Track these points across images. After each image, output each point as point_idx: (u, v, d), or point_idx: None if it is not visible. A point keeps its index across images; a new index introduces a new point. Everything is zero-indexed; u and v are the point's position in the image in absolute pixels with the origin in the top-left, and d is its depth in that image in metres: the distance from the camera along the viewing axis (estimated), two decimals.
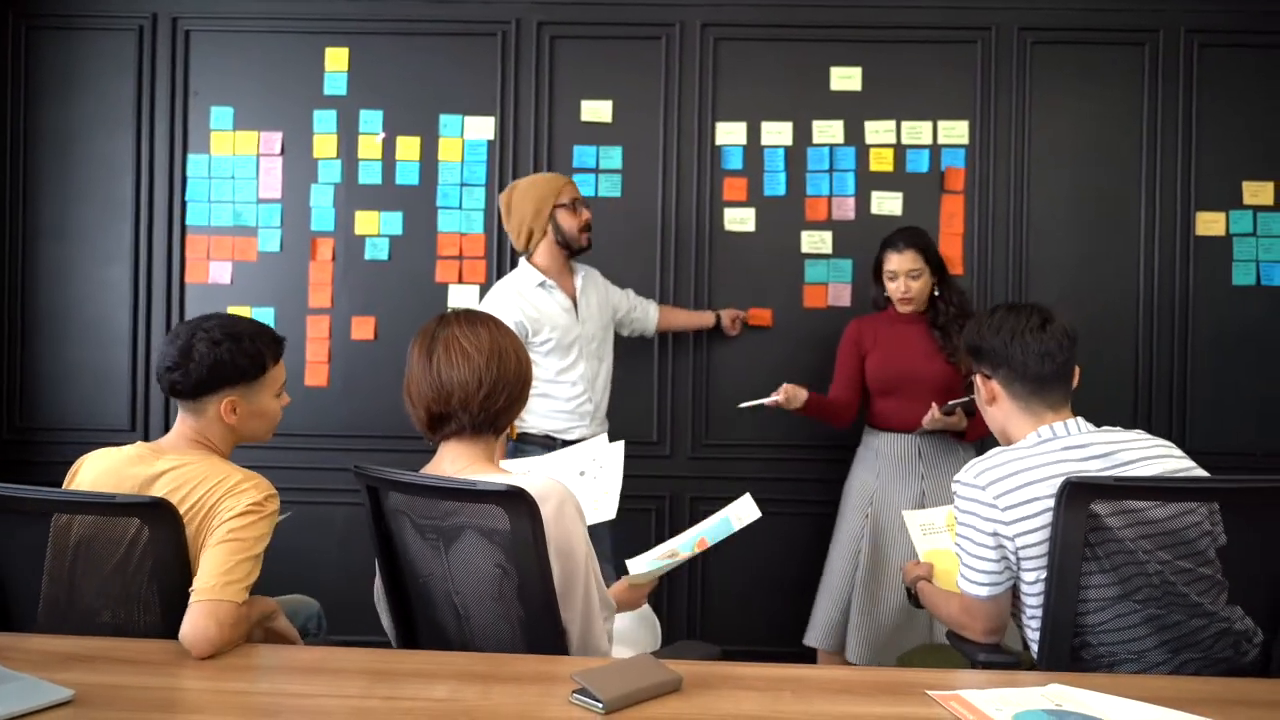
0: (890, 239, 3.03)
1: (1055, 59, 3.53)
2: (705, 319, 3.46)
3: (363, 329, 3.58)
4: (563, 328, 2.97)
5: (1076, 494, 1.66)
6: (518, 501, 1.56)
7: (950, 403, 2.84)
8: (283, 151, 3.60)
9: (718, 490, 3.45)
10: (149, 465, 1.82)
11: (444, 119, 3.58)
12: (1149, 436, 1.85)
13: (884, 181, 3.52)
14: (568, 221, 2.99)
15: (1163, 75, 3.51)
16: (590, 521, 2.10)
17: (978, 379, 1.97)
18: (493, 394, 1.71)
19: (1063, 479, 1.68)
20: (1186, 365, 3.50)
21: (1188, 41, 3.51)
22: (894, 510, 2.96)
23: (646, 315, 3.32)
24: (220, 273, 3.61)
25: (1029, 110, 3.53)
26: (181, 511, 1.73)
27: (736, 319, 3.48)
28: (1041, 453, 1.79)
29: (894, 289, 3.00)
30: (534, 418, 2.97)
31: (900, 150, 3.53)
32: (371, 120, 3.59)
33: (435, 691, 1.44)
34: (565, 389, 2.97)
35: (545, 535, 1.59)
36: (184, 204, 3.61)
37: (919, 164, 3.52)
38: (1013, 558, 1.77)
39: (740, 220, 3.54)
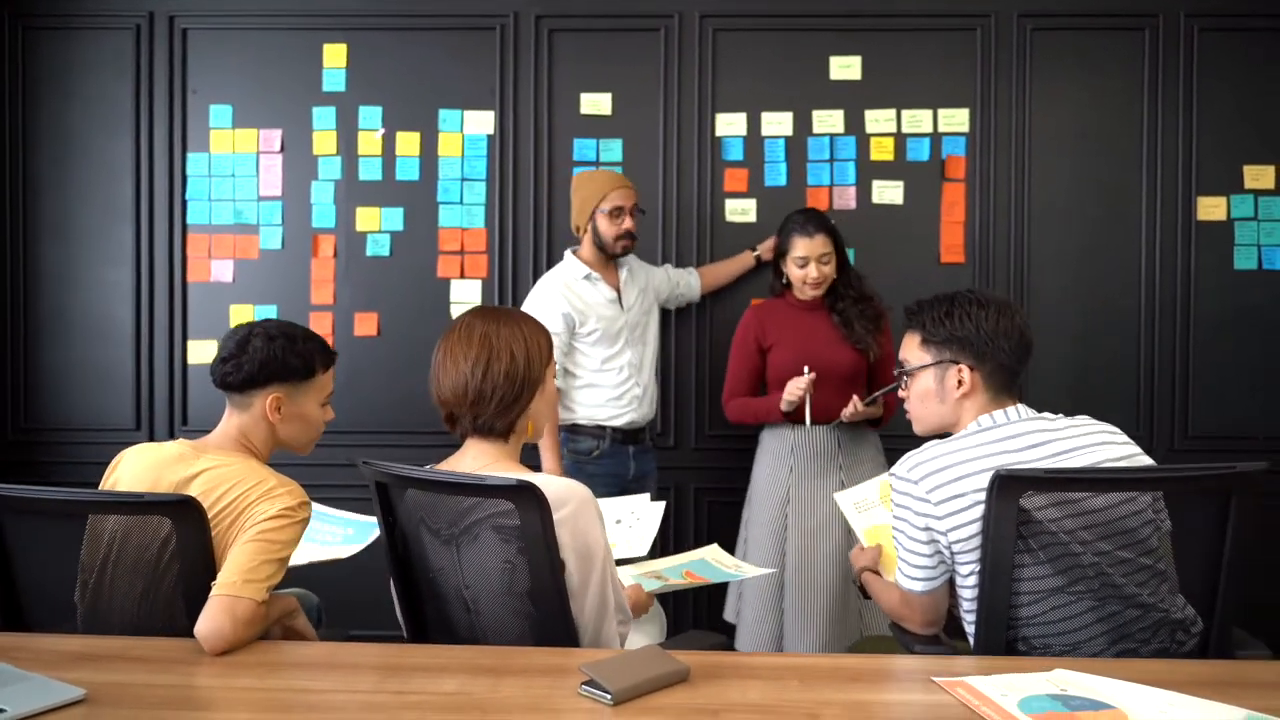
0: (798, 224, 2.95)
1: (1055, 45, 3.52)
2: (745, 261, 3.46)
3: (365, 325, 3.59)
4: (608, 319, 3.04)
5: (1007, 486, 1.64)
6: (527, 496, 1.56)
7: (875, 394, 2.81)
8: (282, 149, 3.60)
9: (722, 480, 3.46)
10: (188, 465, 1.84)
11: (443, 114, 3.57)
12: (1092, 422, 1.82)
13: (885, 170, 3.52)
14: (605, 228, 3.05)
15: (1163, 60, 3.50)
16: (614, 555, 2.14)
17: (935, 369, 1.86)
18: (480, 401, 1.71)
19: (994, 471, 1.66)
20: (1189, 350, 3.50)
21: (1187, 26, 3.50)
22: (818, 504, 2.92)
23: (691, 287, 3.38)
24: (222, 271, 3.61)
25: (1029, 97, 3.52)
26: (214, 512, 1.75)
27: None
28: (977, 444, 1.76)
29: (803, 275, 2.93)
30: (583, 409, 3.05)
31: (901, 139, 3.52)
32: (371, 116, 3.58)
33: (445, 685, 1.45)
34: (611, 376, 3.04)
35: (555, 530, 1.59)
36: (184, 203, 3.62)
37: (919, 152, 3.52)
38: (947, 552, 1.75)
39: (741, 211, 3.54)
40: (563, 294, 2.99)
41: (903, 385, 1.94)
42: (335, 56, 3.58)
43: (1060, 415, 1.83)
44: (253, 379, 1.89)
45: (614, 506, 2.45)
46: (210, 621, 1.60)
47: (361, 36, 3.59)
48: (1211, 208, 3.51)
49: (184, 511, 1.69)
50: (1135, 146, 3.52)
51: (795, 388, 2.83)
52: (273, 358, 1.89)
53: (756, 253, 3.44)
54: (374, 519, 2.10)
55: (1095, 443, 1.76)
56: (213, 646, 1.59)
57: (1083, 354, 3.52)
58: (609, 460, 3.05)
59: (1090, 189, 3.53)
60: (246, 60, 3.60)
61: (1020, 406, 1.83)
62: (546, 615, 1.64)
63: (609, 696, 1.35)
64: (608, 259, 3.11)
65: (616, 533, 2.33)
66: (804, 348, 2.94)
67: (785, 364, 2.96)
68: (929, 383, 1.88)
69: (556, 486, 1.65)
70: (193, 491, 1.78)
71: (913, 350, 1.91)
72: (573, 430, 3.05)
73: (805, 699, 1.39)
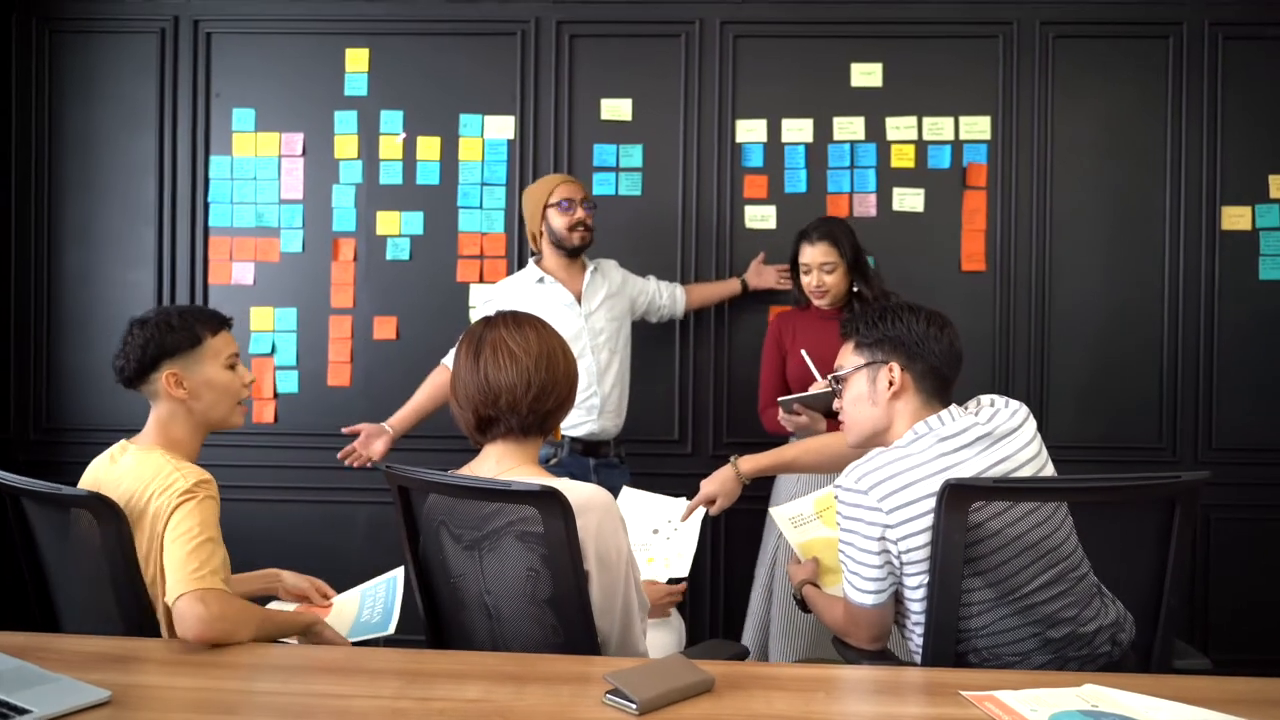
0: (805, 229, 2.96)
1: (1077, 53, 3.51)
2: (732, 287, 3.44)
3: (384, 329, 3.59)
4: (562, 322, 2.98)
5: (956, 495, 1.64)
6: (551, 502, 1.56)
7: (783, 398, 2.72)
8: (304, 152, 3.61)
9: None
10: (114, 463, 1.88)
11: (464, 119, 3.58)
12: (1014, 411, 1.82)
13: (905, 178, 3.51)
14: (556, 221, 3.02)
15: (1186, 68, 3.48)
16: (659, 577, 2.13)
17: (867, 371, 1.87)
18: (541, 396, 1.71)
19: (943, 479, 1.66)
20: (1213, 361, 3.47)
21: (1211, 34, 3.48)
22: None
23: (675, 301, 3.32)
24: (243, 274, 3.62)
25: (1051, 105, 3.50)
26: (126, 508, 1.76)
27: (775, 274, 3.40)
28: (921, 449, 1.75)
29: (807, 283, 2.93)
30: None
31: (922, 146, 3.51)
32: (392, 120, 3.59)
33: (468, 692, 1.44)
34: None
35: (579, 536, 1.59)
36: (206, 205, 3.64)
37: (940, 160, 3.51)
38: (896, 562, 1.73)
39: (761, 218, 3.53)
40: (510, 300, 2.94)
41: (838, 394, 1.96)
42: (357, 61, 3.60)
43: (981, 404, 1.85)
44: (142, 365, 1.90)
45: (648, 513, 2.41)
46: (181, 619, 1.62)
47: (383, 41, 3.60)
48: (1236, 217, 3.48)
49: (101, 508, 1.71)
50: (1159, 155, 3.49)
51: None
52: (150, 338, 1.90)
53: (744, 278, 3.43)
54: (386, 578, 2.11)
55: (1027, 432, 1.80)
56: (200, 634, 1.61)
57: (1105, 365, 3.49)
58: (568, 471, 2.95)
59: (1113, 197, 3.50)
60: (269, 64, 3.62)
61: (954, 408, 1.83)
62: (569, 623, 1.64)
63: (634, 706, 1.34)
64: (570, 260, 3.06)
65: (654, 542, 2.30)
66: (816, 357, 2.91)
67: (795, 372, 2.96)
68: (861, 386, 1.89)
69: (580, 493, 1.64)
70: (107, 490, 1.79)
71: (847, 356, 1.94)
72: None
73: (832, 711, 1.38)
